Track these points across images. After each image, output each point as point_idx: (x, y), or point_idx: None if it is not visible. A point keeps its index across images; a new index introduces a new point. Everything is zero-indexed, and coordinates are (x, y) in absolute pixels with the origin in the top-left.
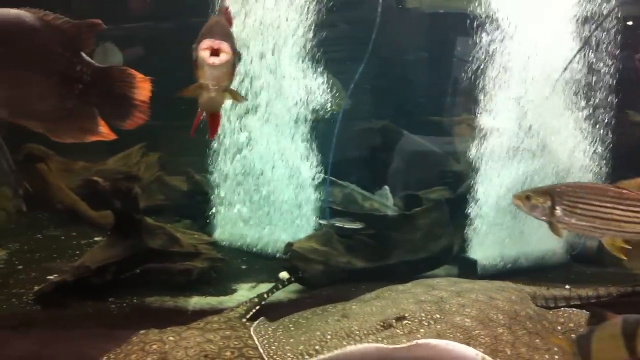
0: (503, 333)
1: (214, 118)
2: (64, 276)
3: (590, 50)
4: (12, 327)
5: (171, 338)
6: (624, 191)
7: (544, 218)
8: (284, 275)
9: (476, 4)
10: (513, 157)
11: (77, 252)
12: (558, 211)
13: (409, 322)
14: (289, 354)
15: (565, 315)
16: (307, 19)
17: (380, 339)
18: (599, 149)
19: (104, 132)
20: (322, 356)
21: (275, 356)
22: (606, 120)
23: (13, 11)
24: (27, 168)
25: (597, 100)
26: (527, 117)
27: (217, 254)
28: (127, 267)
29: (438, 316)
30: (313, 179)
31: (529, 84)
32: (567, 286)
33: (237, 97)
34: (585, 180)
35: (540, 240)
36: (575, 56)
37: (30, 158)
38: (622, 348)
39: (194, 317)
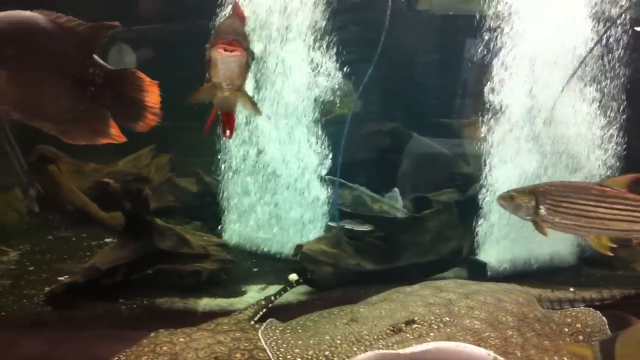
0: (512, 335)
1: (230, 118)
2: (75, 277)
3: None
4: (23, 327)
5: (181, 339)
6: (606, 189)
7: (529, 217)
8: (293, 277)
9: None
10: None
11: (88, 253)
12: (542, 210)
13: (419, 326)
14: (298, 359)
15: (573, 314)
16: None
17: (390, 344)
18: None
19: (115, 134)
20: None
21: None
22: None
23: (26, 13)
24: (38, 169)
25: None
26: (538, 120)
27: (226, 256)
28: (138, 268)
29: (447, 319)
30: None
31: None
32: (571, 289)
33: (251, 103)
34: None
35: (550, 243)
36: (585, 58)
37: (41, 159)
38: None
39: (203, 318)
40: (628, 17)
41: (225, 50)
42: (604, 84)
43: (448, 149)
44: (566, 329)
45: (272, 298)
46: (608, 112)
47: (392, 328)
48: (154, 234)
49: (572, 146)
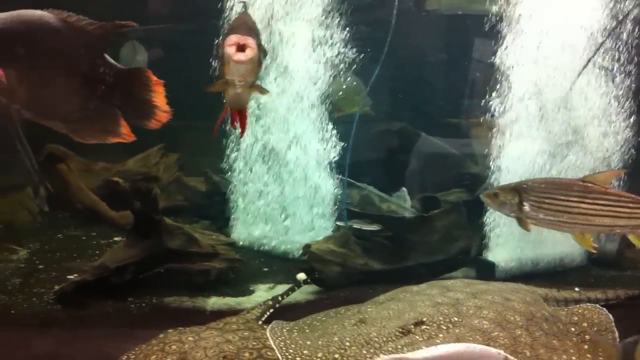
0: (521, 335)
1: (242, 115)
2: (84, 276)
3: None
4: (33, 326)
5: (190, 338)
6: (589, 185)
7: (513, 214)
8: (301, 276)
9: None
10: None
11: (97, 252)
12: (526, 207)
13: (428, 327)
14: None
15: (579, 312)
16: None
17: (399, 346)
18: None
19: (125, 133)
20: None
21: None
22: None
23: (37, 12)
24: (47, 168)
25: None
26: (546, 121)
27: (235, 255)
28: (147, 267)
29: (456, 319)
30: None
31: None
32: (576, 288)
33: (262, 90)
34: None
35: (559, 243)
36: (589, 61)
37: (51, 158)
38: None
39: (212, 317)
40: None
41: (237, 48)
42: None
43: (456, 149)
44: (573, 329)
45: (280, 298)
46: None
47: (401, 329)
48: (163, 233)
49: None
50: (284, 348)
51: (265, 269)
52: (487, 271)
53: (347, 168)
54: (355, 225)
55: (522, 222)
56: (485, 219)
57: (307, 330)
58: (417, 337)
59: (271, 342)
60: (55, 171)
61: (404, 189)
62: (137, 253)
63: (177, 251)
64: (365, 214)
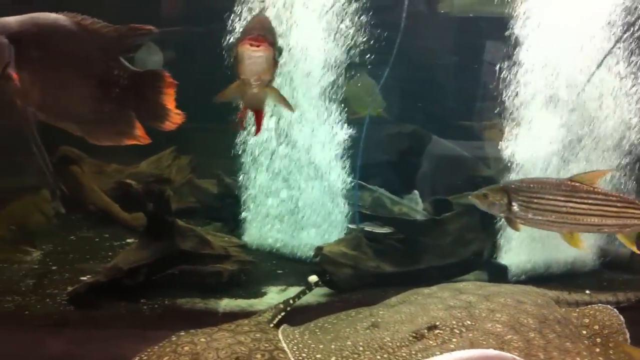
0: (534, 337)
1: (258, 115)
2: (97, 277)
3: None
4: (47, 326)
5: (202, 340)
6: (577, 184)
7: (502, 214)
8: (313, 278)
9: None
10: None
11: (110, 253)
12: (515, 207)
13: (441, 332)
14: None
15: (590, 313)
16: None
17: (413, 352)
18: None
19: (140, 135)
20: None
21: None
22: None
23: (52, 15)
24: (61, 170)
25: None
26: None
27: (247, 257)
28: (159, 268)
29: (469, 323)
30: None
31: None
32: (587, 291)
33: (283, 101)
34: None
35: (571, 247)
36: (602, 62)
37: (64, 160)
38: None
39: (224, 319)
40: None
41: (251, 45)
42: None
43: (468, 152)
44: (584, 331)
45: (291, 301)
46: None
47: (414, 334)
48: (175, 235)
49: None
50: (297, 352)
51: (279, 271)
52: (499, 274)
53: (358, 170)
54: (367, 228)
55: (511, 222)
56: (497, 222)
57: (318, 333)
58: (431, 342)
59: (284, 345)
60: (68, 173)
61: (416, 191)
62: (149, 255)
63: (189, 253)
64: (377, 216)
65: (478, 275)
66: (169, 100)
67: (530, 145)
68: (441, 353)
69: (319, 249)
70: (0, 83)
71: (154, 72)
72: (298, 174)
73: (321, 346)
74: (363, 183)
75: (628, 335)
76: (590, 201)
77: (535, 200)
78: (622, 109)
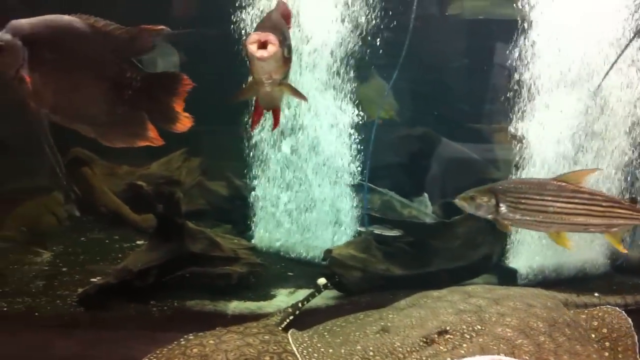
0: (545, 341)
1: (275, 113)
2: (107, 278)
3: None
4: (57, 328)
5: (211, 341)
6: (563, 184)
7: (490, 216)
8: (322, 281)
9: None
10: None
11: (120, 255)
12: (502, 208)
13: (451, 337)
14: None
15: (599, 315)
16: None
17: (424, 358)
18: None
19: (153, 137)
20: None
21: None
22: None
23: (65, 18)
24: (72, 172)
25: None
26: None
27: (256, 259)
28: (169, 270)
29: (479, 327)
30: None
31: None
32: (596, 294)
33: (296, 93)
34: None
35: (582, 250)
36: (613, 65)
37: (75, 162)
38: None
39: (233, 321)
40: None
41: (260, 44)
42: None
43: (478, 154)
44: (593, 335)
45: (300, 305)
46: None
47: (424, 339)
48: (185, 237)
49: None
50: (307, 356)
51: (290, 273)
52: (508, 278)
53: (367, 173)
54: (377, 231)
55: (499, 224)
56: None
57: (327, 336)
58: (441, 347)
59: (294, 349)
60: (79, 175)
61: (426, 194)
62: (159, 256)
63: (199, 255)
64: (386, 219)
65: (487, 278)
66: (180, 103)
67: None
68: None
69: (328, 252)
70: (13, 85)
71: (168, 74)
72: None
73: (330, 350)
74: (372, 186)
75: (636, 339)
76: (576, 201)
77: (523, 201)
78: None
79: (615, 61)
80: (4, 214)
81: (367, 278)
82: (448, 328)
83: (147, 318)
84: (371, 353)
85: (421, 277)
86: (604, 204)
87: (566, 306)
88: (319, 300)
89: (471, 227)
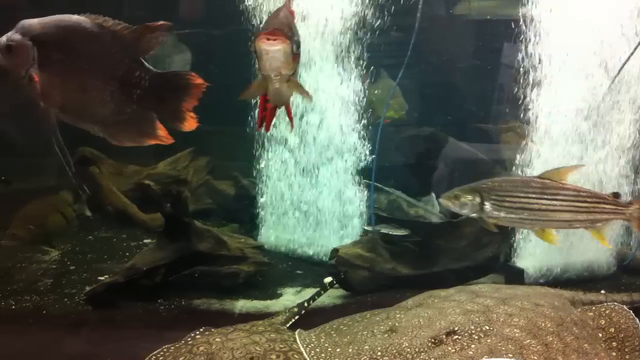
0: (553, 341)
1: (287, 111)
2: (115, 277)
3: None
4: (65, 326)
5: (218, 339)
6: (547, 181)
7: (475, 215)
8: (328, 280)
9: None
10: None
11: (127, 253)
12: (487, 206)
13: (459, 337)
14: None
15: (606, 313)
16: None
17: (432, 359)
18: None
19: (163, 135)
20: None
21: None
22: None
23: (74, 17)
24: (80, 171)
25: None
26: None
27: (263, 258)
28: (176, 269)
29: (487, 328)
30: None
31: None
32: (602, 291)
33: (302, 90)
34: None
35: (588, 251)
36: (625, 62)
37: (83, 161)
38: None
39: (240, 320)
40: None
41: (268, 40)
42: None
43: (485, 154)
44: (600, 334)
45: (306, 304)
46: None
47: (433, 340)
48: (192, 236)
49: None
50: (314, 357)
51: (297, 272)
52: (516, 278)
53: (374, 172)
54: (383, 230)
55: (484, 222)
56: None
57: (334, 335)
58: (450, 348)
59: (302, 349)
60: (87, 174)
61: (433, 194)
62: (167, 255)
63: (206, 254)
64: (393, 218)
65: (494, 278)
66: (192, 103)
67: None
68: None
69: (335, 251)
70: (22, 85)
71: (179, 73)
72: None
73: (338, 350)
74: (379, 185)
75: None
76: (561, 197)
77: (508, 199)
78: None
79: (627, 60)
80: (13, 213)
81: (374, 277)
82: (456, 328)
83: (155, 316)
84: (379, 353)
85: (428, 276)
86: (588, 200)
87: (573, 304)
88: (325, 299)
89: (478, 227)
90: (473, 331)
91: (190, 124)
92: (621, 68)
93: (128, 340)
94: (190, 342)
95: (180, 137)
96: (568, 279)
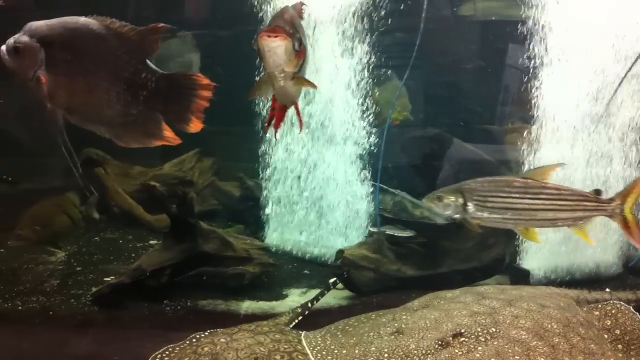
0: (559, 342)
1: (295, 109)
2: (121, 278)
3: None
4: (71, 326)
5: (222, 340)
6: (529, 181)
7: (458, 215)
8: (332, 280)
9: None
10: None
11: (133, 254)
12: (470, 207)
13: (466, 340)
14: None
15: (613, 312)
16: None
17: None
18: None
19: (169, 136)
20: None
21: None
22: None
23: (82, 19)
24: (85, 172)
25: None
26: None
27: (268, 259)
28: (182, 270)
29: (494, 330)
30: None
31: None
32: (607, 289)
33: (305, 83)
34: None
35: (595, 252)
36: (627, 73)
37: (88, 162)
38: None
39: (245, 320)
40: None
41: (269, 37)
42: None
43: (490, 155)
44: (606, 336)
45: (309, 304)
46: None
47: (439, 342)
48: (198, 237)
49: None
50: (320, 358)
51: (304, 272)
52: (521, 279)
53: (379, 174)
54: (389, 231)
55: (468, 223)
56: None
57: (340, 336)
58: (457, 350)
59: (308, 352)
60: (92, 175)
61: None
62: (172, 256)
63: (211, 255)
64: (398, 220)
65: (500, 279)
66: (202, 104)
67: None
68: None
69: (340, 252)
70: (30, 86)
71: (181, 74)
72: None
73: (344, 351)
74: (384, 186)
75: None
76: (543, 196)
77: (490, 199)
78: None
79: (625, 76)
80: (19, 214)
81: (379, 278)
82: (463, 331)
83: (161, 317)
84: (386, 355)
85: (433, 277)
86: (570, 198)
87: (578, 303)
88: (331, 300)
89: (484, 228)
90: (480, 333)
91: (195, 125)
92: (621, 81)
93: (134, 340)
94: (194, 343)
95: (185, 138)
96: (574, 279)
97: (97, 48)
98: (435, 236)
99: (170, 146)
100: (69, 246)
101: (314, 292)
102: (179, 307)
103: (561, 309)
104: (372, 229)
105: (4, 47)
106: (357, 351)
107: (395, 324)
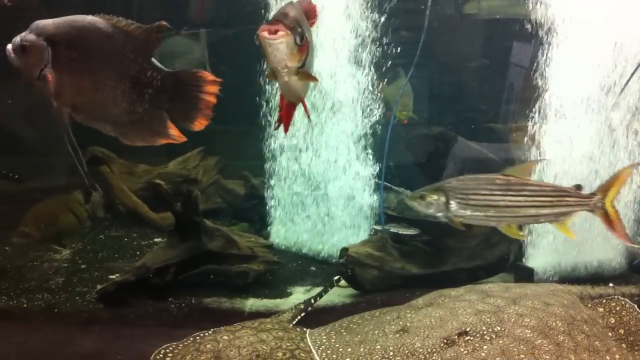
0: (564, 340)
1: (302, 104)
2: (126, 276)
3: None
4: (76, 324)
5: (225, 337)
6: (510, 178)
7: (441, 214)
8: (335, 278)
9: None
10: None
11: (138, 252)
12: (453, 205)
13: (471, 338)
14: None
15: (617, 309)
16: None
17: None
18: None
19: (175, 134)
20: None
21: None
22: None
23: (88, 18)
24: (90, 171)
25: None
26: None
27: (273, 257)
28: (186, 268)
29: (499, 328)
30: None
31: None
32: (610, 284)
33: (310, 78)
34: None
35: (598, 250)
36: (632, 76)
37: (93, 160)
38: None
39: (250, 318)
40: None
41: (269, 32)
42: None
43: (495, 154)
44: (610, 334)
45: (312, 301)
46: None
47: (445, 340)
48: (202, 235)
49: None
50: (325, 358)
51: (310, 269)
52: (525, 277)
53: (383, 172)
54: (393, 229)
55: (451, 221)
56: (524, 225)
57: (344, 334)
58: (462, 349)
59: (312, 349)
60: (97, 173)
61: None
62: (177, 254)
63: (216, 253)
64: (403, 218)
65: (504, 277)
66: (210, 102)
67: None
68: None
69: (344, 250)
70: (36, 84)
71: (187, 72)
72: None
73: (349, 349)
74: (389, 184)
75: None
76: (525, 193)
77: (473, 197)
78: None
79: (630, 77)
80: (25, 212)
81: (383, 276)
82: (468, 329)
83: (165, 315)
84: (391, 353)
85: (437, 275)
86: (552, 194)
87: (582, 299)
88: (335, 298)
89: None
90: (485, 332)
91: (200, 123)
92: (627, 83)
93: (139, 338)
94: (198, 340)
95: (190, 136)
96: (577, 278)
97: (104, 46)
98: (439, 234)
99: (175, 144)
100: (74, 244)
101: (318, 290)
102: (183, 305)
103: (565, 307)
104: (376, 227)
105: (10, 46)
106: (362, 349)
107: (400, 322)
